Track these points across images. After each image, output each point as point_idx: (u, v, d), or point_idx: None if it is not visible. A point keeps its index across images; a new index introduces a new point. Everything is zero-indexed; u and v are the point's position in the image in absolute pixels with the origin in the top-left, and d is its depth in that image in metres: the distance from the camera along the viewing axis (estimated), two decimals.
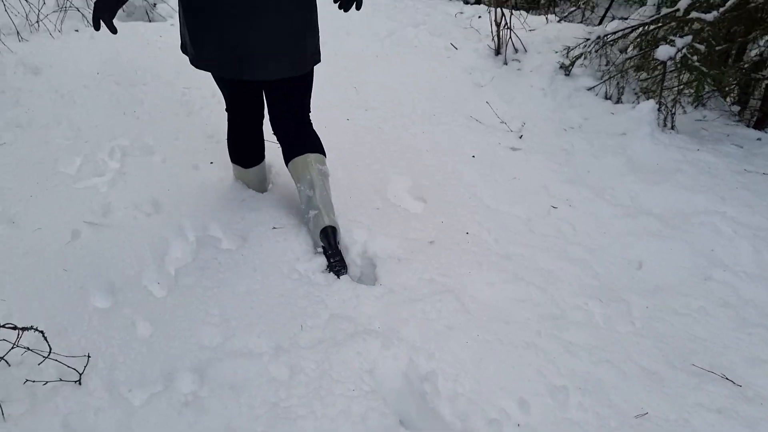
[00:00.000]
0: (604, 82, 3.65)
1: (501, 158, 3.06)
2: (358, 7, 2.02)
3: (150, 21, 4.41)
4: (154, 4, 4.43)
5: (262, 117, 2.33)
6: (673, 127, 3.43)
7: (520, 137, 3.26)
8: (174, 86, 3.30)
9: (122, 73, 3.37)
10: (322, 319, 1.91)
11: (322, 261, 2.16)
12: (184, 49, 2.10)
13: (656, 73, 3.58)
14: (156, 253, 2.14)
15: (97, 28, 1.81)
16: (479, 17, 4.85)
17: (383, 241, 2.30)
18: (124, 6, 4.59)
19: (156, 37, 3.95)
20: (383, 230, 2.37)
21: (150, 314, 1.86)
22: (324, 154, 2.31)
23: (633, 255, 2.47)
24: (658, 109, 3.42)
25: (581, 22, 5.13)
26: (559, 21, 4.51)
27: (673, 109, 3.50)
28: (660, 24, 3.71)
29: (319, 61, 2.14)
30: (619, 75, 3.63)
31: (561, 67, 3.77)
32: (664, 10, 3.74)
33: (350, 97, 3.59)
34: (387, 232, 2.37)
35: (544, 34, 4.20)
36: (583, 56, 3.76)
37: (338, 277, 2.11)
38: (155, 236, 2.21)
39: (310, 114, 2.31)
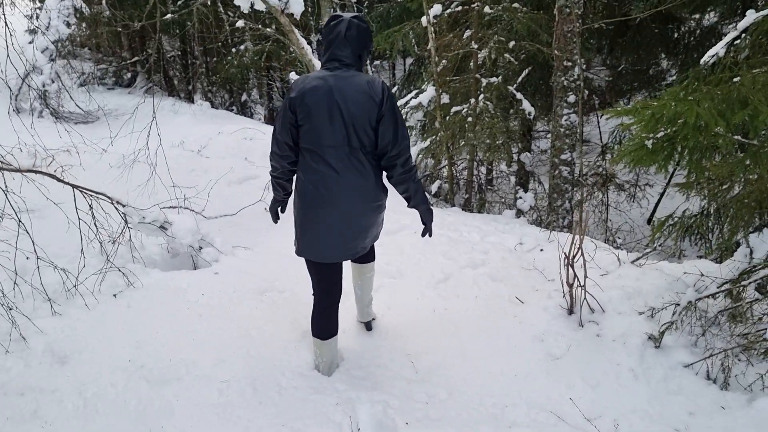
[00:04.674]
0: (704, 359, 3.12)
1: None
2: (430, 234, 3.01)
3: (195, 268, 4.21)
4: (200, 248, 4.27)
5: (339, 299, 3.02)
6: None
7: None
8: (211, 380, 2.92)
9: (156, 361, 3.03)
10: None
11: None
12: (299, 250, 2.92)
13: None
14: None
15: (276, 220, 3.06)
16: (541, 250, 4.52)
17: None
18: (169, 248, 4.47)
19: (198, 297, 3.69)
20: None
21: None
22: (374, 259, 3.34)
23: None
24: None
25: (646, 247, 4.71)
26: (633, 262, 4.10)
27: None
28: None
29: (377, 238, 3.10)
30: (724, 355, 3.10)
31: (650, 338, 3.28)
32: (762, 269, 3.30)
33: (407, 376, 3.13)
34: None
35: (619, 283, 3.78)
36: (673, 324, 3.27)
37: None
38: None
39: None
